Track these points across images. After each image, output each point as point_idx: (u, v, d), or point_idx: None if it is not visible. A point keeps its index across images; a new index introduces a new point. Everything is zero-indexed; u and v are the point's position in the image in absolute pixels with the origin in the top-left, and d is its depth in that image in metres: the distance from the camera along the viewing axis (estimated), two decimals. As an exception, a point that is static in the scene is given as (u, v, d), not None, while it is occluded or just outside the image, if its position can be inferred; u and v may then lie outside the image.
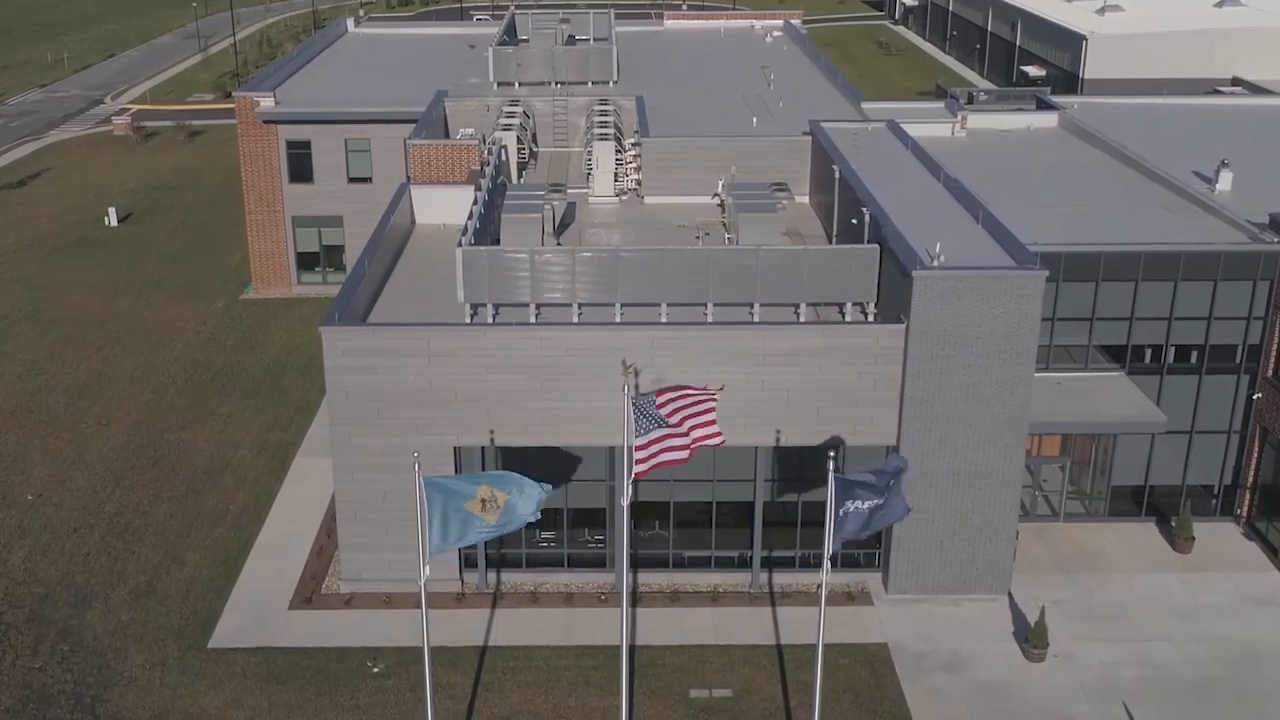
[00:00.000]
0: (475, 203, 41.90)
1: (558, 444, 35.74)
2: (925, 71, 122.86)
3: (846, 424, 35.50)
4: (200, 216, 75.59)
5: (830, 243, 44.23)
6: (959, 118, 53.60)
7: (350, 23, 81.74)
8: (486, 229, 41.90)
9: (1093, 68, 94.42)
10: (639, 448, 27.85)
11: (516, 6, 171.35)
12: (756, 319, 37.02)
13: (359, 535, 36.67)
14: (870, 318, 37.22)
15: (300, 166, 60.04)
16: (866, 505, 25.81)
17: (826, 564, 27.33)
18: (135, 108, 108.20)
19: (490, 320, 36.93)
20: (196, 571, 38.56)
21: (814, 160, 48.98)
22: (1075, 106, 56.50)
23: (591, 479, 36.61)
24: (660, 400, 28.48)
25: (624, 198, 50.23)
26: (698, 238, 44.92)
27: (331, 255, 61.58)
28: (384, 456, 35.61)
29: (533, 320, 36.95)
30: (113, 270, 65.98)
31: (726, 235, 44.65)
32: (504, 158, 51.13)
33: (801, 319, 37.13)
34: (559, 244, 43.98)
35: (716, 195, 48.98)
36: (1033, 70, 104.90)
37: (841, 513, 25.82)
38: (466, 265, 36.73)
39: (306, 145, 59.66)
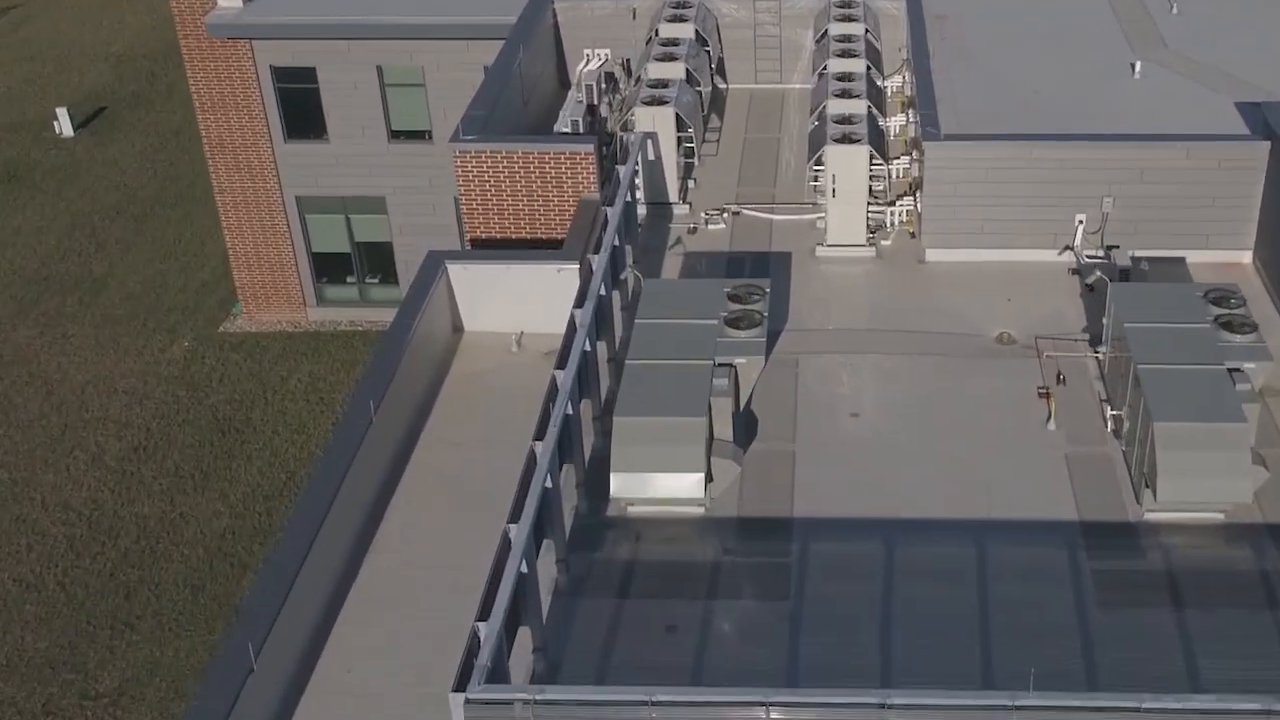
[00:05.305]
0: (571, 344, 16.92)
1: None
2: None
3: None
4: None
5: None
6: None
7: None
8: (572, 439, 17.51)
9: None
10: None
11: None
12: None
13: None
14: None
15: (303, 113, 34.49)
16: None
17: None
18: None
19: None
20: None
21: (1271, 186, 22.98)
22: None
23: None
24: None
25: (885, 244, 24.73)
26: (1045, 392, 20.00)
27: (372, 257, 36.85)
28: None
29: None
30: (36, 242, 41.87)
31: (1110, 412, 19.23)
32: (654, 156, 25.68)
33: None
34: (742, 408, 19.30)
35: (1069, 250, 23.60)
36: None
37: None
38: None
39: (310, 76, 33.99)
